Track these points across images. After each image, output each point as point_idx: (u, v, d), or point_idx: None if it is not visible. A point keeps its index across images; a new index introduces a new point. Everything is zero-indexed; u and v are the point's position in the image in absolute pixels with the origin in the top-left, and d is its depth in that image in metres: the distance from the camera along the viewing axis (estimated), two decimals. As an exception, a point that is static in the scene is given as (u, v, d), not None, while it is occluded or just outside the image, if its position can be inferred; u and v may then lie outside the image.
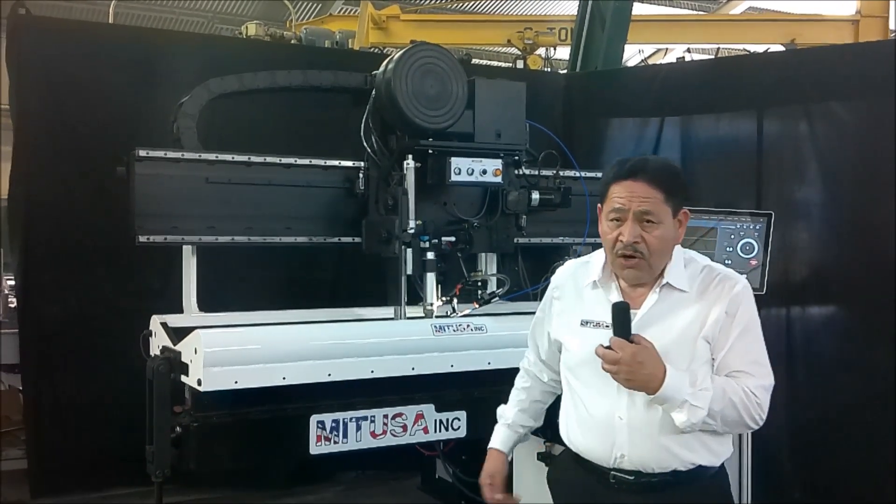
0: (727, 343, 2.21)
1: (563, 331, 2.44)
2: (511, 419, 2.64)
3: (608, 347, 2.15)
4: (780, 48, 9.00)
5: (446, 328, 3.38)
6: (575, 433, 2.41)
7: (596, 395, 2.32)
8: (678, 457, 2.22)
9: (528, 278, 4.49)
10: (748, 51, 9.72)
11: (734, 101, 5.09)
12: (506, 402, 2.74)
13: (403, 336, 3.36)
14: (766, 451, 4.13)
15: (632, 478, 2.26)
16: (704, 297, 2.24)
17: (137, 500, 4.15)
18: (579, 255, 4.45)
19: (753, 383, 2.18)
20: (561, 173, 4.14)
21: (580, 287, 2.41)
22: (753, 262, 3.67)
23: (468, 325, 3.43)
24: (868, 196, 4.46)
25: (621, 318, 2.16)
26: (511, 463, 2.69)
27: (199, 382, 2.96)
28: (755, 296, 3.75)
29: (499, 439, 2.63)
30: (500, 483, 2.57)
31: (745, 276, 3.60)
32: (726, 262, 3.72)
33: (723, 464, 2.34)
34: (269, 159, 3.75)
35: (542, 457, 3.93)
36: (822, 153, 4.71)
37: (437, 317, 3.62)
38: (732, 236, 3.73)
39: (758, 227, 3.69)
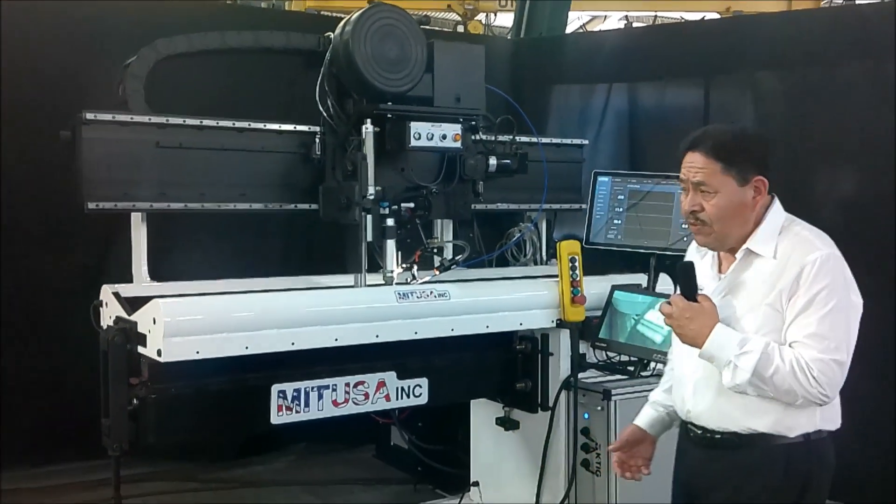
0: (793, 313, 2.22)
1: None
2: (652, 398, 2.72)
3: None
4: (716, 16, 9.11)
5: (410, 295, 3.34)
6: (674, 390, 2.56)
7: (679, 354, 2.50)
8: (732, 418, 2.30)
9: (483, 244, 4.50)
10: (684, 19, 9.84)
11: (682, 67, 5.13)
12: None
13: (368, 303, 3.30)
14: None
15: (700, 432, 2.40)
16: (780, 264, 2.27)
17: (88, 474, 4.05)
18: (535, 223, 4.54)
19: (810, 355, 2.17)
20: (518, 139, 4.12)
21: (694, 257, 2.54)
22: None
23: (431, 292, 3.40)
24: (807, 164, 4.55)
25: (684, 277, 2.32)
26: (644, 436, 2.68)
27: (159, 353, 2.86)
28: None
29: (639, 415, 2.70)
30: (620, 444, 2.67)
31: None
32: (683, 226, 3.77)
33: (812, 439, 2.29)
34: (222, 123, 3.65)
35: (500, 421, 3.96)
36: (764, 120, 4.79)
37: (397, 284, 3.58)
38: (690, 202, 3.76)
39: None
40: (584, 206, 4.36)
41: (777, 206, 2.38)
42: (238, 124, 3.67)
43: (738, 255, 2.34)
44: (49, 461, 4.21)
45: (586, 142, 4.75)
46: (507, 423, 3.93)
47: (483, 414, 4.12)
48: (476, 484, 4.16)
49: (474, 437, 4.20)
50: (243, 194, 3.69)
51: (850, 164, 4.49)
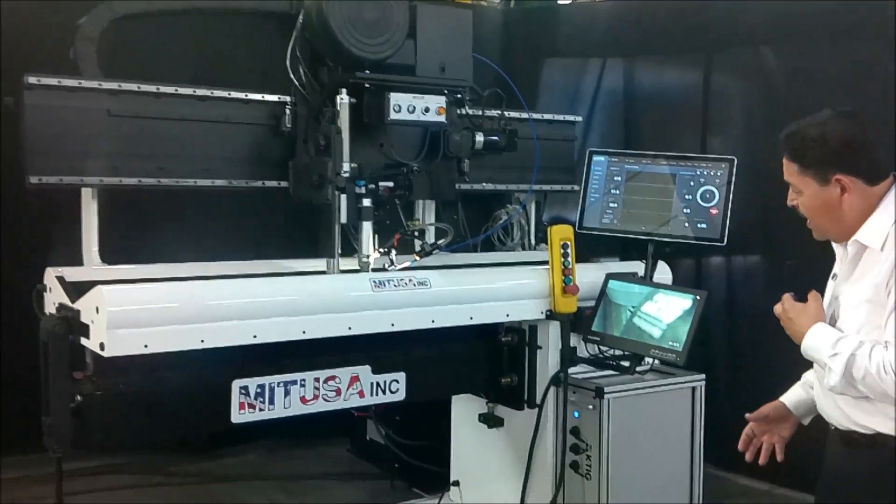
0: (888, 309, 2.13)
1: None
2: (805, 377, 2.58)
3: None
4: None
5: (386, 283, 3.06)
6: None
7: None
8: (849, 416, 2.25)
9: (468, 228, 4.24)
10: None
11: (682, 41, 4.85)
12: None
13: (339, 292, 3.01)
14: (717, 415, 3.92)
15: (833, 429, 2.36)
16: (884, 256, 2.18)
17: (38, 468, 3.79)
18: (523, 205, 4.26)
19: (893, 356, 2.08)
20: (507, 114, 3.84)
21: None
22: (714, 211, 3.44)
23: (410, 280, 3.11)
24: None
25: None
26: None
27: (102, 346, 2.56)
28: (713, 246, 3.62)
29: (786, 392, 2.60)
30: (758, 415, 2.58)
31: (704, 224, 3.43)
32: (685, 210, 3.50)
33: None
34: (182, 90, 3.36)
35: (483, 418, 3.72)
36: (768, 98, 4.53)
37: (373, 270, 3.30)
38: (692, 183, 3.49)
39: (719, 174, 3.45)
40: (576, 187, 4.08)
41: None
42: (199, 92, 3.39)
43: (849, 247, 2.29)
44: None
45: (580, 118, 4.49)
46: (490, 420, 3.69)
47: (465, 409, 3.86)
48: (456, 483, 3.93)
49: (455, 433, 3.96)
50: (205, 170, 3.41)
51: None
